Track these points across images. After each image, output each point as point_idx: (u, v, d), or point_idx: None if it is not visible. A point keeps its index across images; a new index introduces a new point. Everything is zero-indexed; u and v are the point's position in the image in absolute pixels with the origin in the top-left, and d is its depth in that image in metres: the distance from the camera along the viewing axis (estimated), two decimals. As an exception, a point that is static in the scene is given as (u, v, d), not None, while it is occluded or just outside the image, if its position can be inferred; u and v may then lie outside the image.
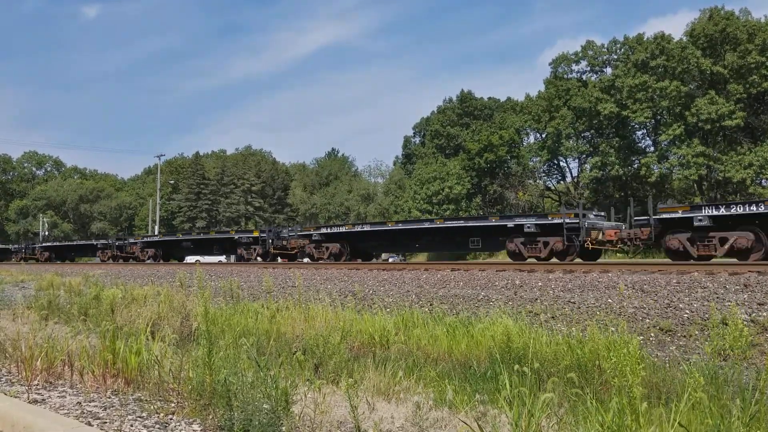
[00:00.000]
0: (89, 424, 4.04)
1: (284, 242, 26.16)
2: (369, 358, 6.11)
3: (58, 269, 26.90)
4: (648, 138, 55.83)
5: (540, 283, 11.46)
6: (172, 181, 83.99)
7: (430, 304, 10.77)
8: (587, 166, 55.14)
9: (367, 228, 23.99)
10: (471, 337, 7.32)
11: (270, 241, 26.50)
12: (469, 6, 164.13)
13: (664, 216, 15.59)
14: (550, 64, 61.44)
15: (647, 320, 8.54)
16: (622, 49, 55.88)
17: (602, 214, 19.24)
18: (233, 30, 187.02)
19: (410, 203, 59.92)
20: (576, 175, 61.08)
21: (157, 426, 4.05)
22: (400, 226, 23.18)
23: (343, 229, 24.66)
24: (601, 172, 52.71)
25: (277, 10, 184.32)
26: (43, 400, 4.73)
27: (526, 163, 60.13)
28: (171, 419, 4.22)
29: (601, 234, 16.87)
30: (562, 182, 65.88)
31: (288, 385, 3.82)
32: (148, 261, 32.58)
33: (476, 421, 3.44)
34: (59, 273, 22.34)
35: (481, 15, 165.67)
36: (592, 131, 55.49)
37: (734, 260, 14.35)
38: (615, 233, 16.69)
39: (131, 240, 35.19)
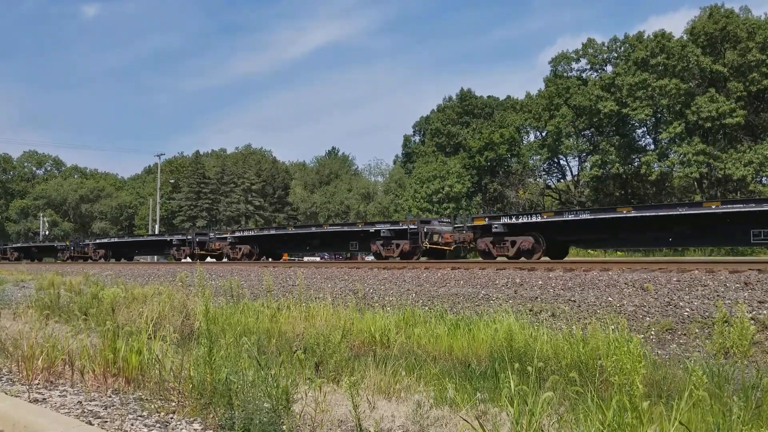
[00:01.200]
0: (90, 423, 4.04)
1: (211, 244, 29.19)
2: (369, 356, 6.12)
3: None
4: (648, 136, 55.85)
5: (540, 282, 11.45)
6: (172, 181, 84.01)
7: (431, 303, 10.77)
8: (587, 165, 55.13)
9: (272, 232, 27.64)
10: (472, 335, 7.32)
11: (195, 242, 29.88)
12: (469, 4, 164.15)
13: (475, 224, 19.21)
14: (550, 62, 61.47)
15: (648, 318, 8.54)
16: (623, 48, 55.85)
17: (446, 220, 21.78)
18: (233, 29, 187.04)
19: (410, 202, 59.93)
20: (576, 173, 61.11)
21: (158, 425, 4.05)
22: (295, 231, 26.60)
23: (252, 233, 28.37)
24: (602, 170, 52.70)
25: (277, 9, 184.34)
26: (43, 399, 4.73)
27: (526, 161, 60.12)
28: (171, 418, 4.22)
29: (440, 237, 20.29)
30: (562, 180, 65.92)
31: (289, 383, 3.82)
32: (100, 260, 35.99)
33: (477, 420, 3.44)
34: (60, 272, 22.35)
35: (482, 13, 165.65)
36: (592, 129, 55.48)
37: (732, 258, 14.40)
38: (450, 236, 20.11)
39: (85, 242, 39.40)
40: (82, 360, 5.40)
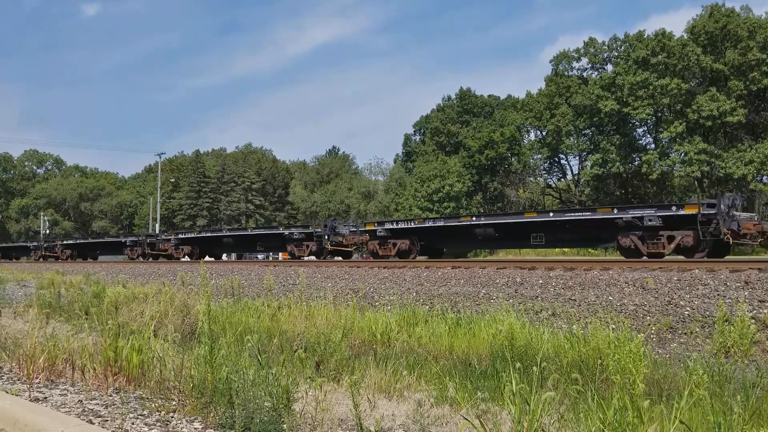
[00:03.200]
0: (90, 422, 4.04)
1: (160, 245, 32.49)
2: (370, 355, 6.12)
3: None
4: (649, 135, 55.80)
5: (541, 281, 11.46)
6: (172, 180, 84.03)
7: (431, 302, 10.78)
8: (588, 164, 55.10)
9: (209, 234, 32.49)
10: (473, 334, 7.32)
11: (146, 243, 33.17)
12: (470, 3, 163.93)
13: (367, 228, 22.95)
14: (551, 61, 61.42)
15: (648, 317, 8.54)
16: (623, 47, 55.81)
17: (351, 225, 24.69)
18: (233, 28, 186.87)
19: (411, 201, 59.90)
20: (577, 172, 61.09)
21: (158, 424, 4.05)
22: (229, 233, 31.14)
23: (191, 235, 32.50)
24: (602, 169, 52.65)
25: (278, 7, 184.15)
26: (44, 398, 4.73)
27: (526, 160, 60.09)
28: (172, 417, 4.22)
29: (343, 239, 23.48)
30: (562, 180, 65.90)
31: (289, 382, 3.82)
32: (68, 259, 39.11)
33: (478, 418, 3.44)
34: (60, 272, 22.37)
35: (483, 12, 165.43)
36: (593, 128, 55.44)
37: (733, 257, 14.53)
38: (351, 238, 23.13)
39: (54, 242, 43.34)
40: (82, 359, 5.41)
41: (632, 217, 16.04)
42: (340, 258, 24.47)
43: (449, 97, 70.66)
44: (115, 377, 5.15)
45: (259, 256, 42.18)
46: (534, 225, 19.00)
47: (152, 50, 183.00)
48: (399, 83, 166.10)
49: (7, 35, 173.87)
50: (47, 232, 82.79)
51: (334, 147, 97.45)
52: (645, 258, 15.55)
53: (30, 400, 4.57)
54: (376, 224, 22.77)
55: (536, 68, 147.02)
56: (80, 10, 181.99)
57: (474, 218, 20.96)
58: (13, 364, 5.87)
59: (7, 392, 4.77)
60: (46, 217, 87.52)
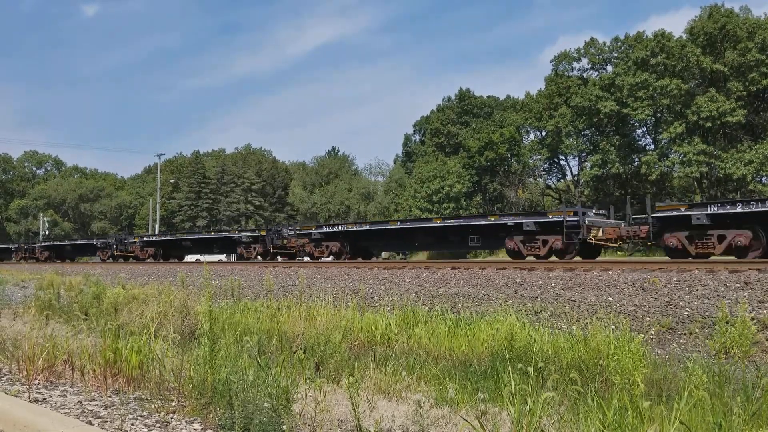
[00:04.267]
0: (90, 423, 4.04)
1: (128, 247, 34.74)
2: (370, 356, 6.11)
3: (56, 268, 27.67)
4: (648, 136, 55.81)
5: (540, 282, 11.45)
6: (172, 180, 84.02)
7: (431, 303, 10.77)
8: (587, 164, 55.11)
9: (169, 237, 35.27)
10: (472, 335, 7.32)
11: (115, 246, 35.47)
12: (470, 3, 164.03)
13: (304, 231, 24.80)
14: (551, 61, 61.42)
15: (648, 318, 8.54)
16: (623, 47, 55.83)
17: (296, 228, 26.42)
18: (233, 28, 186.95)
19: (410, 201, 59.88)
20: (576, 173, 61.09)
21: (158, 425, 4.05)
22: (188, 236, 34.35)
23: (154, 238, 35.27)
24: (602, 170, 52.66)
25: (277, 7, 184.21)
26: (44, 399, 4.73)
27: (526, 161, 60.09)
28: (172, 418, 4.22)
29: (287, 242, 25.22)
30: (562, 180, 65.91)
31: (289, 383, 3.82)
32: (46, 261, 41.23)
33: (477, 419, 3.44)
34: (59, 272, 22.36)
35: (483, 12, 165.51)
36: (593, 129, 55.46)
37: (732, 258, 14.69)
38: (293, 241, 25.04)
39: (34, 244, 46.43)
40: (82, 360, 5.40)
41: (514, 223, 18.10)
42: (286, 258, 26.15)
43: (449, 98, 70.70)
44: (114, 378, 5.14)
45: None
46: (445, 229, 20.90)
47: (152, 50, 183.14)
48: (399, 83, 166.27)
49: (7, 35, 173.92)
50: (47, 233, 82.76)
51: (333, 147, 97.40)
52: (529, 259, 17.32)
53: (29, 401, 4.56)
54: (313, 228, 24.72)
55: (536, 69, 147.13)
56: (80, 10, 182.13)
57: (399, 222, 23.28)
58: (13, 365, 5.86)
59: (6, 393, 4.76)
60: (45, 218, 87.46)
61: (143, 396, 4.76)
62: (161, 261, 31.56)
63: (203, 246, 33.23)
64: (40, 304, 10.61)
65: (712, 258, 14.25)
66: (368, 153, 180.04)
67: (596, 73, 58.63)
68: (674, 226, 15.20)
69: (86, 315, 8.50)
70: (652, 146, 53.82)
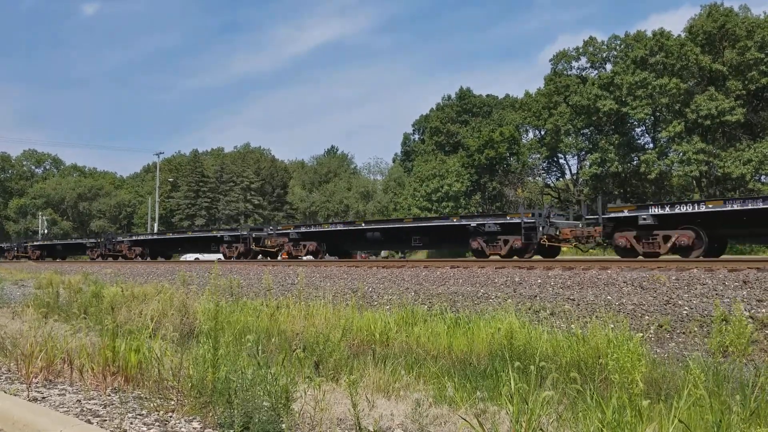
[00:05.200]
0: (89, 421, 4.04)
1: (116, 246, 35.41)
2: (369, 355, 6.11)
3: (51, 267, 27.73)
4: (647, 135, 55.84)
5: (539, 281, 11.46)
6: (171, 179, 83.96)
7: (430, 302, 10.78)
8: (586, 163, 55.13)
9: (156, 237, 36.46)
10: (471, 334, 7.32)
11: (104, 245, 35.96)
12: (470, 3, 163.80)
13: (282, 231, 25.60)
14: (551, 60, 61.41)
15: (646, 317, 8.55)
16: (622, 46, 55.84)
17: (272, 228, 27.27)
18: (232, 27, 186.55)
19: (410, 200, 59.87)
20: (575, 171, 61.12)
21: (157, 424, 4.05)
22: (173, 236, 34.83)
23: (142, 238, 36.04)
24: (601, 168, 52.68)
25: (277, 7, 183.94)
26: (43, 398, 4.73)
27: (525, 159, 60.10)
28: (171, 417, 4.22)
29: (268, 241, 25.90)
30: (561, 179, 65.93)
31: (288, 382, 3.82)
32: (38, 259, 42.13)
33: (476, 418, 3.44)
34: (58, 271, 22.36)
35: (482, 12, 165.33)
36: (592, 128, 55.47)
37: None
38: (274, 241, 25.63)
39: (26, 243, 47.22)
40: (81, 359, 5.40)
41: (477, 224, 18.82)
42: (269, 258, 26.57)
43: (449, 97, 70.68)
44: (113, 377, 5.14)
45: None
46: (412, 230, 21.75)
47: (151, 50, 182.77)
48: (398, 83, 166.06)
49: (6, 34, 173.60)
50: (45, 232, 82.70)
51: (332, 146, 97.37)
52: (491, 258, 17.96)
53: (28, 400, 4.56)
54: (291, 228, 25.50)
55: (535, 68, 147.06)
56: (79, 10, 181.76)
57: (364, 224, 24.20)
58: (12, 364, 5.86)
59: (5, 392, 4.76)
60: (44, 217, 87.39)
61: (142, 395, 4.76)
62: (149, 260, 32.21)
63: (189, 245, 34.06)
64: (38, 303, 10.60)
65: (662, 257, 14.85)
66: (367, 152, 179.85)
67: (595, 71, 58.65)
68: (623, 226, 15.81)
69: (85, 314, 8.50)
70: (651, 145, 53.87)
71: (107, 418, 4.14)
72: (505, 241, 18.16)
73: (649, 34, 51.63)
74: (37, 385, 5.11)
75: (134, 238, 36.50)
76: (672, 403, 3.33)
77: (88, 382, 5.13)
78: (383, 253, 44.00)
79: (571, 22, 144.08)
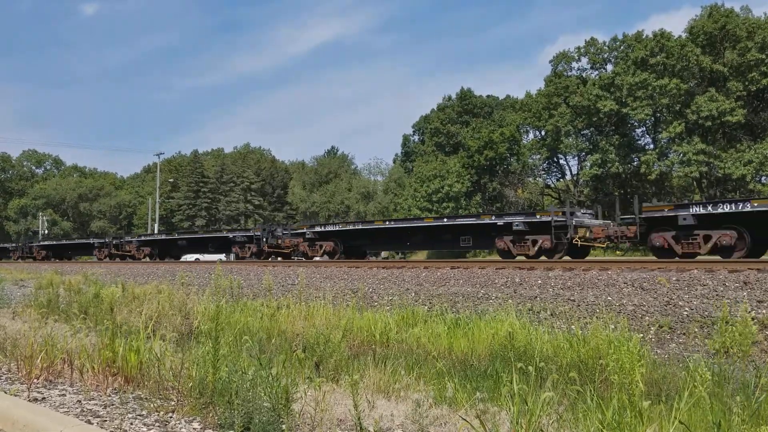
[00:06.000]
0: (89, 422, 4.04)
1: (124, 246, 35.08)
2: (369, 356, 6.11)
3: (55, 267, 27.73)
4: (648, 135, 55.86)
5: (539, 281, 11.46)
6: (171, 180, 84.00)
7: (430, 302, 10.77)
8: (587, 164, 55.13)
9: (163, 237, 35.80)
10: (472, 334, 7.32)
11: (112, 245, 35.86)
12: (469, 3, 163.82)
13: (297, 231, 25.39)
14: (551, 60, 61.46)
15: (647, 318, 8.54)
16: (622, 47, 55.86)
17: (286, 228, 27.11)
18: (232, 27, 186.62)
19: (410, 201, 59.86)
20: (576, 172, 61.11)
21: (157, 424, 4.05)
22: (181, 236, 34.82)
23: (151, 238, 35.53)
24: (601, 169, 52.69)
25: (277, 7, 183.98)
26: (43, 398, 4.73)
27: (525, 160, 60.11)
28: (171, 417, 4.22)
29: (282, 241, 25.74)
30: (561, 180, 65.93)
31: (288, 383, 3.82)
32: (43, 260, 42.40)
33: (477, 418, 3.44)
34: (59, 271, 22.36)
35: (482, 12, 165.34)
36: (592, 129, 55.49)
37: (719, 257, 14.83)
38: (288, 241, 25.41)
39: (32, 244, 47.53)
40: (81, 359, 5.40)
41: (504, 223, 18.14)
42: (280, 258, 26.26)
43: (449, 97, 70.70)
44: (113, 377, 5.14)
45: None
46: (436, 229, 21.19)
47: (151, 50, 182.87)
48: (398, 83, 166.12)
49: (6, 34, 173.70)
50: (46, 232, 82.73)
51: (333, 147, 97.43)
52: (519, 258, 17.29)
53: (29, 401, 4.56)
54: (306, 228, 24.93)
55: (536, 68, 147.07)
56: (79, 9, 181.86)
57: (393, 222, 23.96)
58: (12, 364, 5.86)
59: (5, 392, 4.76)
60: (44, 218, 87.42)
61: (142, 395, 4.76)
62: (157, 260, 31.65)
63: (199, 246, 33.52)
64: (38, 303, 10.60)
65: (699, 258, 14.37)
66: (368, 153, 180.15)
67: (596, 72, 58.68)
68: (661, 226, 15.31)
69: (85, 314, 8.50)
70: (652, 146, 53.88)
71: (107, 419, 4.14)
72: (534, 242, 17.42)
73: (650, 34, 51.68)
74: (38, 385, 5.11)
75: (143, 238, 36.04)
76: (673, 404, 3.33)
77: (88, 382, 5.13)
78: (383, 254, 44.02)
79: (571, 23, 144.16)
